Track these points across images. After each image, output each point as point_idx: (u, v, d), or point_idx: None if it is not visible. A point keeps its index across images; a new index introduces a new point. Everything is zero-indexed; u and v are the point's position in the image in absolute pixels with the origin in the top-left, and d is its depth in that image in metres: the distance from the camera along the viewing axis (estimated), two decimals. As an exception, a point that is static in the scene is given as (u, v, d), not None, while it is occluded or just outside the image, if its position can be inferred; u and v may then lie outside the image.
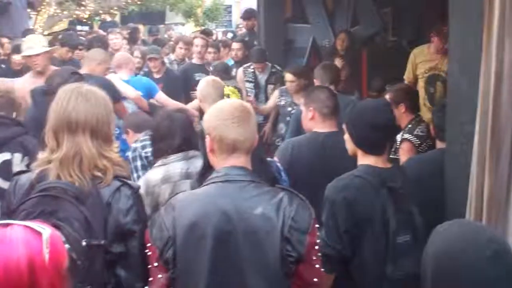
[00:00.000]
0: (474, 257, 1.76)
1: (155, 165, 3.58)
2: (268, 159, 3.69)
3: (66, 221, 2.31)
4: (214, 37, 12.43)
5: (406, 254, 2.94)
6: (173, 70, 8.18)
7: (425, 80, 6.48)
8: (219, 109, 2.52)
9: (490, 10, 2.99)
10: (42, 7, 13.63)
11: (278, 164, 3.76)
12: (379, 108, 3.17)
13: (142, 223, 2.54)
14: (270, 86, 7.60)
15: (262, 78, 7.71)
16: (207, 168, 2.66)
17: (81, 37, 9.63)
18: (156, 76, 7.60)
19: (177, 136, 3.58)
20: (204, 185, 2.49)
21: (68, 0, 14.11)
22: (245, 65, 7.92)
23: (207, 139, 2.52)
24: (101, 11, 15.83)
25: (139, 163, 4.13)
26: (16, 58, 7.98)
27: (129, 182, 2.63)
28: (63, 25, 14.55)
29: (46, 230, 1.69)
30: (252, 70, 7.73)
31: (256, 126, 2.60)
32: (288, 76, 6.53)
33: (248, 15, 10.46)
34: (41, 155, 2.60)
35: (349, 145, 3.20)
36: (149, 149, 4.16)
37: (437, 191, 3.54)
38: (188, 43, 8.74)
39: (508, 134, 3.01)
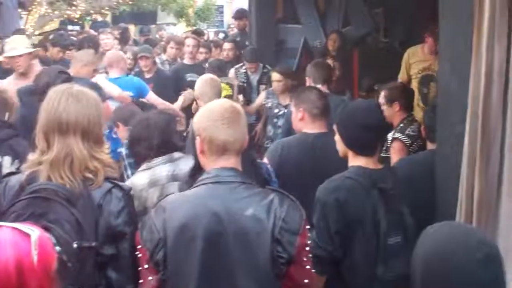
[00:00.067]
0: (465, 259, 1.76)
1: (140, 169, 3.53)
2: (258, 160, 3.68)
3: (57, 223, 2.30)
4: (205, 37, 12.40)
5: (397, 255, 2.94)
6: (164, 70, 8.17)
7: (419, 80, 6.49)
8: (209, 110, 2.51)
9: (480, 11, 3.00)
10: (33, 7, 13.57)
11: (268, 166, 3.76)
12: (370, 109, 3.17)
13: (133, 225, 2.53)
14: (262, 86, 7.60)
15: (254, 78, 7.71)
16: (197, 170, 2.66)
17: (72, 37, 9.58)
18: (147, 76, 7.59)
19: (155, 138, 3.54)
20: (195, 187, 2.49)
21: (59, 0, 14.05)
22: (237, 66, 7.92)
23: (197, 140, 2.52)
24: (92, 11, 15.76)
25: (133, 160, 4.10)
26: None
27: (120, 183, 2.63)
28: (54, 25, 14.48)
29: (34, 232, 1.69)
30: (244, 71, 7.73)
31: (247, 127, 2.59)
32: (275, 76, 6.54)
33: (239, 15, 10.46)
34: (31, 157, 2.59)
35: (340, 146, 3.20)
36: None
37: (427, 192, 3.55)
38: (180, 43, 8.73)
39: (498, 135, 3.02)
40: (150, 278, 2.37)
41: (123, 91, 6.21)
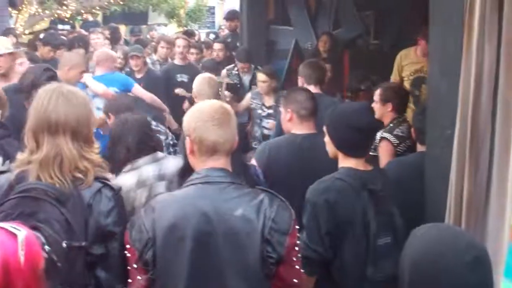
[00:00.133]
0: (454, 261, 1.77)
1: (124, 170, 3.49)
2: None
3: (46, 222, 2.28)
4: (196, 37, 12.39)
5: (387, 256, 2.95)
6: (154, 71, 8.15)
7: (410, 82, 6.50)
8: (199, 111, 2.51)
9: (470, 14, 3.01)
10: (24, 6, 13.51)
11: (256, 167, 3.76)
12: (361, 111, 3.17)
13: (123, 224, 2.52)
14: (254, 87, 7.60)
15: (247, 79, 7.71)
16: (187, 170, 2.66)
17: (62, 37, 9.53)
18: (138, 75, 7.59)
19: (130, 139, 3.53)
20: (184, 187, 2.49)
21: (49, -1, 14.02)
22: (229, 67, 7.91)
23: (187, 141, 2.52)
24: (83, 11, 15.71)
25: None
26: None
27: (110, 183, 2.62)
28: (44, 24, 14.41)
29: (21, 232, 1.68)
30: (236, 72, 7.73)
31: (237, 127, 2.59)
32: (261, 76, 6.55)
33: (231, 16, 10.47)
34: (20, 156, 2.57)
35: (330, 148, 3.21)
36: None
37: (417, 193, 3.55)
38: (170, 42, 8.73)
39: (487, 137, 3.03)
40: (139, 277, 2.37)
41: (108, 88, 6.21)
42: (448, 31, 3.30)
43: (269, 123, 6.36)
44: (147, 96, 6.58)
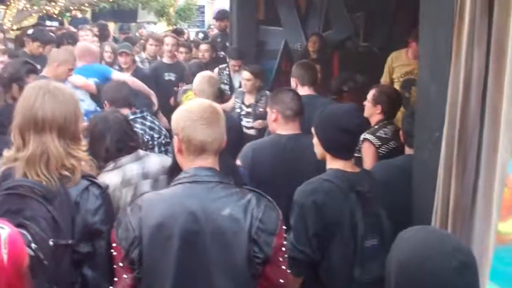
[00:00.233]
0: (440, 265, 1.78)
1: (106, 169, 3.45)
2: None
3: (33, 220, 2.27)
4: (185, 36, 12.36)
5: (374, 258, 2.96)
6: (142, 69, 8.10)
7: (400, 84, 6.52)
8: (188, 110, 2.50)
9: (460, 18, 3.02)
10: (12, 1, 13.41)
11: (241, 168, 3.76)
12: (351, 112, 3.17)
13: (110, 223, 2.51)
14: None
15: (237, 79, 7.70)
16: (175, 168, 2.65)
17: (50, 33, 9.48)
18: (126, 73, 7.53)
19: (109, 137, 3.48)
20: (172, 186, 2.48)
21: (38, -5, 13.92)
22: (221, 66, 7.90)
23: (175, 140, 2.51)
24: (71, 7, 15.64)
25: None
26: None
27: (97, 181, 2.61)
28: (32, 20, 14.33)
29: (4, 230, 1.67)
30: (227, 72, 7.72)
31: (225, 127, 2.58)
32: (246, 74, 6.55)
33: (221, 16, 10.44)
34: (7, 153, 2.56)
35: (318, 149, 3.21)
36: None
37: (404, 196, 3.56)
38: (159, 40, 8.69)
39: (475, 141, 3.04)
40: (125, 276, 2.36)
41: (87, 79, 6.18)
42: (438, 34, 3.31)
43: (258, 122, 6.35)
44: (129, 80, 6.50)
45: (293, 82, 5.47)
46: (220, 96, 7.13)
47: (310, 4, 9.42)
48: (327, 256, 2.98)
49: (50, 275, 2.27)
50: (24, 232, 2.16)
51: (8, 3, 13.35)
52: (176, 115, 2.53)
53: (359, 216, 2.97)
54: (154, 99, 6.72)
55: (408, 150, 3.97)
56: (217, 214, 2.35)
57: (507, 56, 2.82)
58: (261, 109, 6.33)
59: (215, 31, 11.73)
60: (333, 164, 3.12)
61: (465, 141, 3.05)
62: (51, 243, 2.28)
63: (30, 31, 8.63)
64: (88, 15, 17.79)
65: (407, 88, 6.41)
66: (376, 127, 4.70)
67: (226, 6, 10.10)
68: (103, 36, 10.63)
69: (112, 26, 15.49)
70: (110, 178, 3.37)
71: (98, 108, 5.82)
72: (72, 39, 8.59)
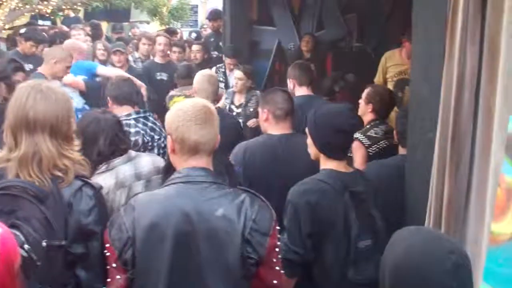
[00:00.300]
0: (435, 267, 1.78)
1: (99, 171, 3.40)
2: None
3: (25, 220, 2.26)
4: (178, 36, 12.33)
5: (367, 259, 2.96)
6: (135, 68, 8.06)
7: (394, 84, 6.52)
8: (182, 110, 2.49)
9: (453, 16, 3.02)
10: (4, 0, 13.36)
11: (237, 167, 3.75)
12: (344, 112, 3.16)
13: (104, 223, 2.50)
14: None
15: (233, 78, 7.71)
16: (170, 168, 2.64)
17: (43, 33, 9.45)
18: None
19: (101, 140, 3.44)
20: (165, 186, 2.47)
21: (30, -6, 13.85)
22: (218, 65, 7.95)
23: (169, 139, 2.50)
24: (64, 7, 15.57)
25: None
26: None
27: (90, 182, 2.60)
28: (24, 19, 14.26)
29: None
30: (223, 70, 7.74)
31: (224, 125, 2.57)
32: (238, 73, 6.63)
33: (214, 16, 10.42)
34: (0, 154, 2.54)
35: (312, 150, 3.20)
36: (132, 129, 4.28)
37: (397, 196, 3.57)
38: (151, 39, 8.66)
39: (467, 142, 3.04)
40: (118, 277, 2.36)
41: (75, 77, 6.17)
42: (430, 34, 3.31)
43: (252, 121, 6.35)
44: (114, 74, 6.44)
45: (291, 83, 5.47)
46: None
47: (304, 4, 9.43)
48: (320, 257, 2.98)
49: (42, 276, 2.26)
50: (17, 232, 2.15)
51: (0, 2, 13.29)
52: (169, 115, 2.52)
53: (352, 217, 2.97)
54: (144, 90, 6.68)
55: (401, 150, 3.98)
56: (210, 215, 2.34)
57: (500, 55, 2.82)
58: (251, 109, 6.34)
59: (208, 31, 11.71)
60: (327, 164, 3.11)
61: (458, 142, 3.05)
62: (44, 244, 2.27)
63: (22, 30, 8.60)
64: (81, 15, 17.72)
65: (400, 88, 6.41)
66: (368, 126, 4.71)
67: (219, 6, 10.09)
68: (95, 35, 10.60)
69: (104, 26, 15.44)
70: (103, 179, 3.34)
71: (86, 106, 5.80)
72: (65, 39, 8.56)
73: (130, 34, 15.37)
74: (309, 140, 3.20)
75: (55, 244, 2.34)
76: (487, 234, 2.86)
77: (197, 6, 22.84)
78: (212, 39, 9.97)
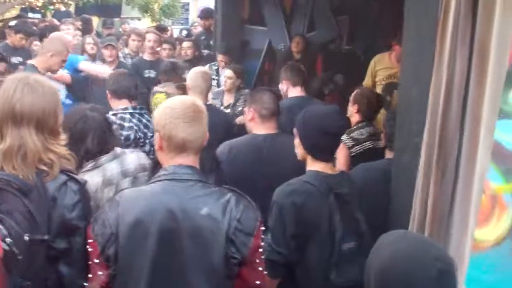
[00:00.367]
0: (420, 273, 1.79)
1: (86, 168, 3.36)
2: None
3: (8, 214, 2.24)
4: (169, 33, 12.30)
5: (351, 261, 2.96)
6: (126, 64, 8.02)
7: (383, 87, 6.53)
8: (170, 107, 2.48)
9: (444, 17, 3.02)
10: (-6, -7, 13.28)
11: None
12: (331, 114, 3.16)
13: (88, 219, 2.49)
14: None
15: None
16: (156, 166, 2.63)
17: (33, 26, 9.39)
18: (110, 67, 7.45)
19: (89, 139, 3.40)
20: (151, 183, 2.47)
21: (21, -13, 13.77)
22: (211, 63, 7.95)
23: (156, 136, 2.49)
24: (55, 0, 15.50)
25: None
26: None
27: (75, 176, 2.58)
28: (14, 12, 14.18)
29: None
30: (216, 68, 7.73)
31: (207, 125, 2.56)
32: (228, 72, 6.67)
33: (206, 15, 10.40)
34: None
35: (299, 150, 3.20)
36: (127, 124, 4.28)
37: (382, 199, 3.57)
38: (141, 35, 8.58)
39: (454, 147, 3.05)
40: (100, 273, 2.35)
41: (61, 71, 6.09)
42: (422, 31, 3.30)
43: (239, 118, 6.35)
44: (96, 69, 6.38)
45: (284, 84, 5.46)
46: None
47: (295, 4, 9.43)
48: (304, 258, 2.98)
49: (24, 270, 2.24)
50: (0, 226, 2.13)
51: (-10, -5, 13.21)
52: (158, 112, 2.52)
53: (337, 219, 2.97)
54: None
55: (388, 154, 3.98)
56: (195, 213, 2.34)
57: (490, 57, 2.82)
58: (240, 108, 6.35)
59: (199, 29, 11.69)
60: (314, 165, 3.11)
61: (445, 147, 3.06)
62: (26, 238, 2.25)
63: (12, 23, 8.54)
64: (72, 9, 17.64)
65: (389, 91, 6.42)
66: (354, 127, 4.72)
67: (211, 4, 10.08)
68: (86, 30, 10.54)
69: (95, 21, 15.37)
70: (90, 177, 3.30)
71: (69, 100, 5.76)
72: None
73: (120, 30, 15.31)
74: (296, 141, 3.20)
75: (37, 238, 2.32)
76: (470, 240, 2.87)
77: (188, 4, 22.79)
78: (203, 38, 9.96)
